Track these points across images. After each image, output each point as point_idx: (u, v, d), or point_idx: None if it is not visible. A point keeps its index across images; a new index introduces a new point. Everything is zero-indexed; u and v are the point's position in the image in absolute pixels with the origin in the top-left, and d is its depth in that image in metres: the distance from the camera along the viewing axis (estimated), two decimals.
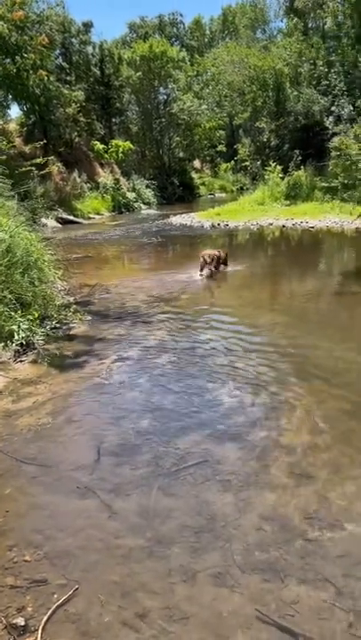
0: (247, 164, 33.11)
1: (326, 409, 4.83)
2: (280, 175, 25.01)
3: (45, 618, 2.57)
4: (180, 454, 4.09)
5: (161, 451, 4.15)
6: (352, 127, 22.11)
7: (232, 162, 47.90)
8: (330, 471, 3.82)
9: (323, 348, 6.49)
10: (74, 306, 8.27)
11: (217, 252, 11.24)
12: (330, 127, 24.90)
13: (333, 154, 17.08)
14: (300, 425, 4.53)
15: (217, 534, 3.19)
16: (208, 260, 10.89)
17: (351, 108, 25.41)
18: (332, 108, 26.30)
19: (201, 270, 10.98)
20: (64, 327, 7.47)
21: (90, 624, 2.57)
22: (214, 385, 5.44)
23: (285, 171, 25.11)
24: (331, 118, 25.94)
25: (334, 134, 21.49)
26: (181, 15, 61.38)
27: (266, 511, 3.40)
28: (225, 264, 11.34)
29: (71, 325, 7.57)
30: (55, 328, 7.30)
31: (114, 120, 41.73)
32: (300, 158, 25.26)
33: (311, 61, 28.40)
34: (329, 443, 4.23)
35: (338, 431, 4.43)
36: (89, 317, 7.99)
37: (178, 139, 41.82)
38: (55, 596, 2.73)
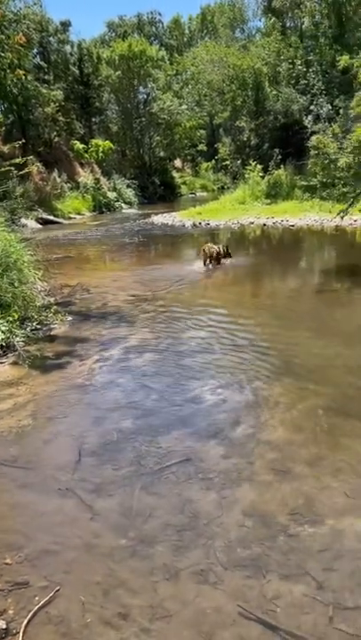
0: (228, 163, 33.27)
1: (308, 405, 4.87)
2: (260, 174, 25.15)
3: (26, 620, 2.55)
4: (162, 453, 4.09)
5: (143, 450, 4.14)
6: (330, 126, 22.28)
7: (213, 161, 48.10)
8: (311, 467, 3.85)
9: (305, 344, 6.54)
10: (54, 306, 8.21)
11: (217, 247, 11.92)
12: (309, 126, 25.08)
13: (312, 152, 17.22)
14: (281, 422, 4.55)
15: (200, 532, 3.19)
16: (209, 254, 11.66)
17: (330, 107, 25.64)
18: (311, 107, 26.53)
19: (204, 263, 11.70)
20: (45, 328, 7.41)
21: (71, 625, 2.55)
22: (196, 383, 5.44)
23: (266, 170, 25.25)
24: (310, 117, 26.15)
25: (313, 133, 21.61)
26: (160, 14, 61.46)
27: (248, 508, 3.41)
28: (227, 257, 11.93)
29: (52, 326, 7.51)
30: (36, 329, 7.24)
31: (93, 119, 41.55)
32: (279, 157, 25.44)
33: (290, 61, 28.59)
34: (310, 439, 4.26)
35: (319, 427, 4.47)
36: (70, 318, 7.94)
37: (158, 138, 41.78)
38: (37, 598, 2.70)
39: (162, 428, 4.51)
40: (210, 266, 11.66)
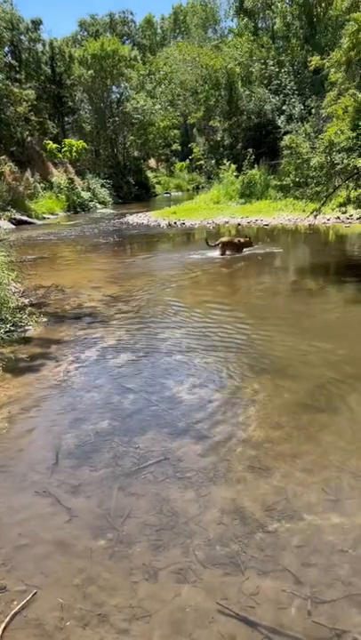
0: (202, 162, 33.37)
1: (284, 402, 4.91)
2: (235, 174, 25.30)
3: (3, 625, 2.52)
4: (140, 453, 4.08)
5: (121, 450, 4.13)
6: (303, 126, 22.55)
7: (187, 161, 48.23)
8: (288, 463, 3.89)
9: (282, 343, 6.60)
10: (29, 308, 8.12)
11: (235, 240, 13.03)
12: (282, 126, 25.31)
13: (285, 152, 17.42)
14: (258, 419, 4.59)
15: (178, 531, 3.20)
16: (227, 245, 12.71)
17: (302, 107, 25.91)
18: (284, 107, 26.76)
19: (222, 254, 12.67)
20: (19, 330, 7.32)
21: (49, 629, 2.53)
22: (173, 382, 5.45)
23: (240, 169, 25.41)
24: (282, 117, 26.38)
25: (286, 133, 21.86)
26: (132, 14, 61.42)
27: (226, 505, 3.43)
28: (248, 245, 12.92)
29: (26, 328, 7.43)
30: (10, 331, 7.14)
31: (66, 119, 41.27)
32: (253, 157, 25.60)
33: (262, 61, 28.80)
34: (286, 435, 4.30)
35: (295, 423, 4.51)
36: (45, 319, 7.86)
37: (132, 137, 41.68)
38: (15, 602, 2.67)
39: (139, 428, 4.50)
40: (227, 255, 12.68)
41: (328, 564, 2.89)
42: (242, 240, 12.89)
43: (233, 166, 25.33)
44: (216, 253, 12.79)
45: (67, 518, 3.35)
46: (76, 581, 2.82)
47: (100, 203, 33.91)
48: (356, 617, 2.55)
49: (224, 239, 12.95)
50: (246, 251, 12.93)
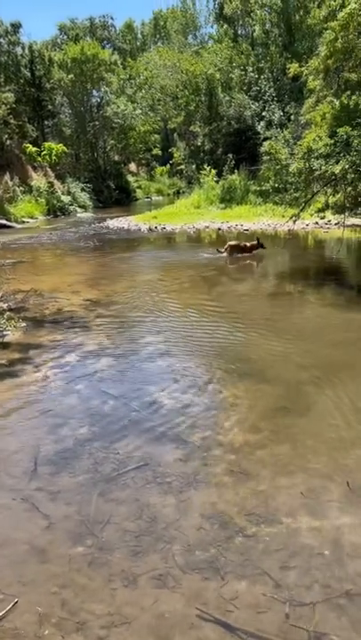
0: (182, 167, 33.50)
1: (262, 405, 4.95)
2: (215, 179, 25.44)
3: None
4: (120, 459, 4.07)
5: (100, 456, 4.11)
6: (282, 132, 22.82)
7: (168, 165, 48.35)
8: (267, 467, 3.92)
9: (260, 346, 6.64)
10: (7, 313, 8.04)
11: (241, 243, 13.64)
12: (261, 132, 25.57)
13: (265, 158, 17.64)
14: (237, 423, 4.61)
15: (158, 536, 3.19)
16: (233, 248, 13.31)
17: (281, 114, 26.22)
18: (263, 113, 27.05)
19: (230, 255, 13.22)
20: None
21: (27, 638, 2.50)
22: (153, 387, 5.45)
23: (220, 174, 25.57)
24: (262, 123, 26.66)
25: (266, 139, 22.10)
26: (112, 18, 61.12)
27: (206, 510, 3.44)
28: (256, 248, 13.36)
29: (5, 333, 7.35)
30: None
31: (46, 122, 41.02)
32: (233, 162, 25.79)
33: (242, 67, 29.10)
34: (265, 440, 4.33)
35: (273, 427, 4.54)
36: (24, 324, 7.79)
37: (113, 142, 41.62)
38: None
39: (119, 433, 4.49)
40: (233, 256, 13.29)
41: (307, 567, 2.92)
42: (248, 244, 13.50)
43: (213, 171, 25.49)
44: (224, 255, 13.42)
45: (45, 525, 3.32)
46: (55, 589, 2.80)
47: (80, 207, 33.74)
48: (334, 619, 2.58)
49: (231, 243, 13.70)
50: (254, 252, 13.44)
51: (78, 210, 33.16)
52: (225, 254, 13.38)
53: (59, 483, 3.78)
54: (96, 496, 3.61)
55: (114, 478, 3.81)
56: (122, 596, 2.75)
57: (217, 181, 25.33)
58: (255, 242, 13.56)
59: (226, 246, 13.58)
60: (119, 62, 43.12)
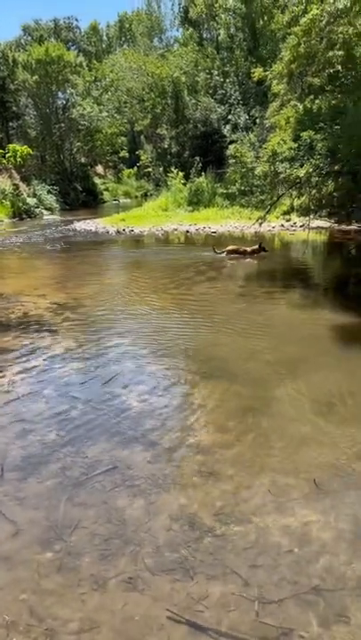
0: (150, 170, 33.49)
1: (230, 405, 4.99)
2: (182, 181, 25.52)
3: None
4: (88, 463, 4.04)
5: (69, 461, 4.08)
6: (248, 135, 23.08)
7: (135, 168, 48.25)
8: (235, 467, 3.95)
9: (228, 346, 6.70)
10: None
11: (240, 248, 13.90)
12: (227, 135, 25.80)
13: (231, 161, 17.81)
14: (206, 424, 4.64)
15: (127, 539, 3.18)
16: (231, 252, 13.69)
17: (247, 117, 26.51)
18: (229, 117, 27.30)
19: (229, 258, 13.58)
20: None
21: None
22: (122, 390, 5.43)
23: (187, 177, 25.66)
24: (228, 126, 26.90)
25: (232, 142, 22.31)
26: (77, 20, 60.82)
27: (175, 512, 3.44)
28: (258, 252, 13.58)
29: None
30: None
31: (11, 124, 40.45)
32: (200, 165, 25.92)
33: (207, 71, 29.31)
34: (234, 440, 4.37)
35: (242, 428, 4.58)
36: None
37: (79, 144, 41.30)
38: None
39: (88, 437, 4.46)
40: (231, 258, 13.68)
41: (275, 565, 2.95)
42: (248, 249, 13.85)
43: (181, 174, 25.56)
44: (223, 255, 13.84)
45: (12, 532, 3.27)
46: (22, 596, 2.76)
47: (46, 209, 33.33)
48: (302, 615, 2.62)
49: (229, 248, 14.06)
50: (256, 255, 13.69)
51: (45, 212, 32.76)
52: (224, 255, 13.80)
53: (26, 488, 3.73)
54: (64, 501, 3.57)
55: (82, 482, 3.78)
56: (91, 600, 2.74)
57: (184, 184, 25.43)
58: (256, 246, 13.94)
59: (224, 249, 14.03)
60: (85, 64, 42.86)
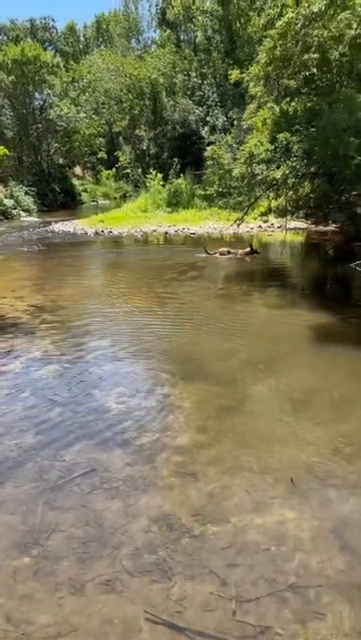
0: (128, 171, 33.42)
1: (208, 406, 5.01)
2: (161, 183, 25.53)
3: None
4: (66, 466, 4.02)
5: (46, 464, 4.05)
6: (225, 137, 23.17)
7: (114, 169, 48.06)
8: (213, 467, 3.97)
9: (206, 346, 6.72)
10: None
11: (231, 249, 14.24)
12: (206, 136, 25.90)
13: (209, 162, 17.88)
14: (184, 424, 4.65)
15: (105, 542, 3.18)
16: (225, 252, 14.01)
17: (225, 119, 26.64)
18: (207, 118, 27.42)
19: (220, 256, 13.92)
20: None
21: None
22: (100, 392, 5.41)
23: (166, 178, 25.68)
24: (206, 128, 27.00)
25: (210, 143, 22.39)
26: (54, 20, 60.19)
27: (154, 513, 3.44)
28: (255, 253, 13.94)
29: None
30: None
31: None
32: (179, 166, 25.97)
33: (185, 72, 29.40)
34: (212, 440, 4.38)
35: (220, 428, 4.61)
36: None
37: (57, 145, 40.97)
38: None
39: (65, 440, 4.43)
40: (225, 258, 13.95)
41: (252, 564, 2.97)
42: (240, 251, 14.09)
43: (159, 175, 25.57)
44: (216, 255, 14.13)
45: None
46: (0, 601, 2.74)
47: (24, 210, 33.00)
48: (279, 612, 2.64)
49: (222, 249, 14.37)
50: (248, 258, 13.91)
51: (22, 214, 32.43)
52: (217, 255, 14.05)
53: (2, 493, 3.69)
54: (42, 504, 3.55)
55: (60, 486, 3.76)
56: (69, 604, 2.72)
57: (163, 185, 25.44)
58: (248, 249, 14.13)
59: (217, 251, 14.31)
60: (62, 65, 42.56)
